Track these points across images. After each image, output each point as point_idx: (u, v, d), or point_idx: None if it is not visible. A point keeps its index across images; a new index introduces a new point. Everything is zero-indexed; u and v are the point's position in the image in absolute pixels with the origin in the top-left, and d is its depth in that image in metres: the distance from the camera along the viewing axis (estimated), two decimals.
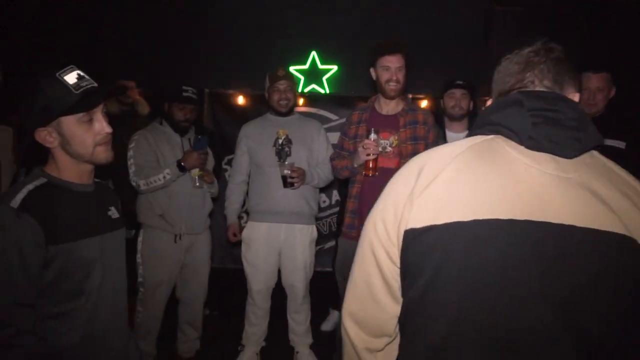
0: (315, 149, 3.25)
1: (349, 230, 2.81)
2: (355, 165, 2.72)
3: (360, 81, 4.37)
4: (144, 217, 3.13)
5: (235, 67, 5.17)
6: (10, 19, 4.96)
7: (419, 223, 0.98)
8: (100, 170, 1.62)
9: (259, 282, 3.21)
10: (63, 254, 1.43)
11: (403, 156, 2.72)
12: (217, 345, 3.55)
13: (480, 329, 0.94)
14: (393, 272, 1.06)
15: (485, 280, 0.94)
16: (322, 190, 3.55)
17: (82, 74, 1.49)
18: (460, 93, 3.19)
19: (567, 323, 0.91)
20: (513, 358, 0.93)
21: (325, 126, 4.06)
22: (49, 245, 1.39)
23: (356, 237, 2.77)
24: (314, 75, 5.48)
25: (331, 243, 4.50)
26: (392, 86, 2.71)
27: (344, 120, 2.97)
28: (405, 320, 1.06)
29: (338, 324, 3.04)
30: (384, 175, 2.66)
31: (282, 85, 3.17)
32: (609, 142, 2.58)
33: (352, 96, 4.78)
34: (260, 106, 3.52)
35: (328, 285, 3.44)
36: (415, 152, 2.73)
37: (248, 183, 3.32)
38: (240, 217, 3.39)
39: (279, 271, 3.27)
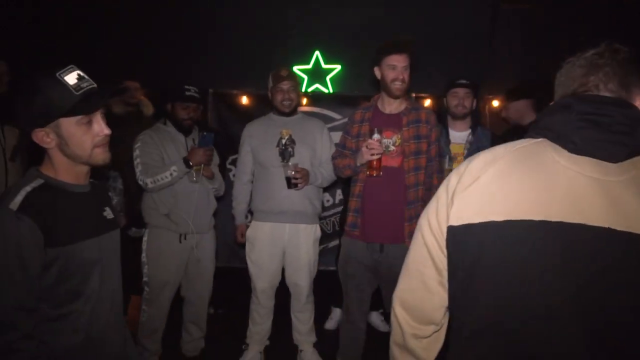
0: (318, 149, 3.26)
1: (352, 229, 2.82)
2: (359, 165, 2.73)
3: (363, 80, 4.36)
4: (149, 217, 3.15)
5: (239, 67, 5.17)
6: (11, 19, 4.98)
7: (458, 221, 1.05)
8: (95, 171, 1.61)
9: (263, 281, 3.23)
10: (63, 257, 1.41)
11: (406, 155, 2.73)
12: (222, 343, 3.56)
13: (509, 324, 0.99)
14: (444, 262, 1.13)
15: (515, 278, 0.98)
16: (325, 189, 3.56)
17: (82, 74, 1.46)
18: (464, 92, 3.19)
19: (592, 325, 0.93)
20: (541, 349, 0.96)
21: (329, 125, 4.07)
22: (48, 247, 1.38)
23: (359, 236, 2.79)
24: (317, 74, 5.48)
25: (335, 242, 4.51)
26: (397, 85, 2.71)
27: (347, 119, 2.97)
28: (449, 310, 1.15)
29: (341, 323, 3.06)
30: (386, 174, 2.68)
31: (285, 85, 3.17)
32: None
33: (355, 95, 4.78)
34: (265, 106, 3.53)
35: (332, 284, 3.44)
36: (418, 151, 2.74)
37: (252, 182, 3.33)
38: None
39: (283, 270, 3.28)
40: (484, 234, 1.01)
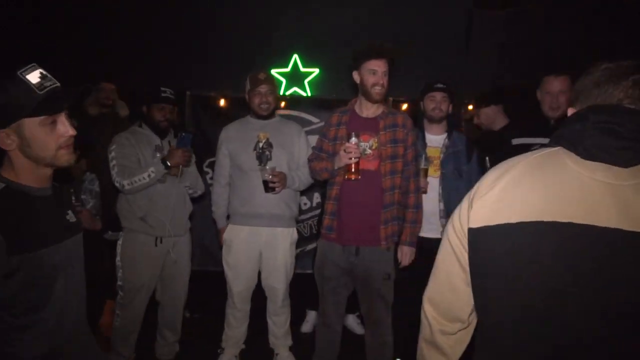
0: (296, 153, 3.26)
1: (328, 232, 2.83)
2: (336, 168, 2.74)
3: (341, 84, 4.39)
4: (124, 220, 3.11)
5: (217, 70, 5.17)
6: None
7: (476, 223, 1.14)
8: (68, 173, 1.54)
9: (239, 284, 3.21)
10: (26, 264, 1.35)
11: (382, 158, 2.75)
12: (197, 348, 3.53)
13: (526, 319, 1.07)
14: (467, 262, 1.21)
15: (527, 276, 1.06)
16: (303, 192, 3.56)
17: (44, 72, 1.39)
18: (441, 96, 3.22)
19: (602, 318, 1.00)
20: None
21: (307, 129, 4.07)
22: (10, 255, 1.31)
23: (335, 239, 2.80)
24: (295, 78, 5.50)
25: (312, 245, 4.50)
26: (377, 90, 2.74)
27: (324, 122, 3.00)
28: (475, 310, 1.23)
29: (317, 326, 3.06)
30: (363, 177, 2.70)
31: (263, 88, 3.17)
32: None
33: (333, 99, 4.79)
34: (243, 109, 3.51)
35: (308, 287, 3.44)
36: (394, 155, 2.76)
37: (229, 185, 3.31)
38: None
39: (259, 273, 3.27)
40: (500, 235, 1.09)
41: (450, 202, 3.11)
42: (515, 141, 3.00)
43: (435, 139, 3.24)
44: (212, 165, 3.79)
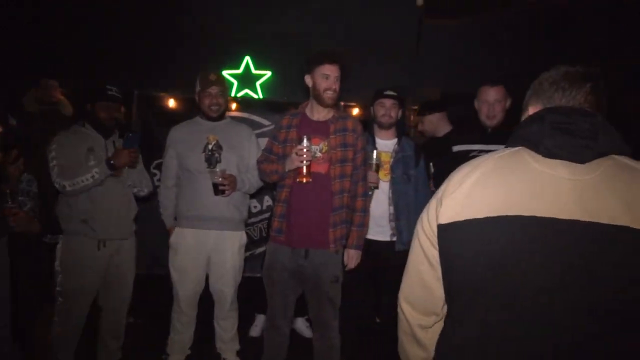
0: (245, 155, 3.24)
1: (277, 234, 2.82)
2: (287, 170, 2.74)
3: (293, 87, 4.39)
4: (64, 223, 2.99)
5: (167, 70, 5.08)
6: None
7: (445, 219, 1.19)
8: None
9: (186, 289, 3.15)
10: None
11: (332, 162, 2.77)
12: (140, 354, 3.44)
13: (486, 306, 1.13)
14: (437, 259, 1.26)
15: (494, 267, 1.12)
16: (253, 195, 3.53)
17: None
18: (390, 103, 3.28)
19: (566, 306, 1.06)
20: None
21: (258, 131, 4.05)
22: None
23: (284, 242, 2.79)
24: (247, 80, 5.47)
25: (262, 248, 4.47)
26: (330, 95, 2.77)
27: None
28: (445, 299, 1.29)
29: (265, 329, 3.04)
30: (313, 180, 2.71)
31: (213, 90, 3.13)
32: None
33: (284, 102, 4.80)
34: (192, 110, 3.46)
35: (256, 291, 3.41)
36: (344, 159, 2.79)
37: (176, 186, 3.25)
38: None
39: (206, 277, 3.22)
40: (468, 229, 1.15)
41: (399, 206, 3.16)
42: (456, 148, 3.09)
43: (386, 144, 3.29)
44: (159, 167, 3.70)
